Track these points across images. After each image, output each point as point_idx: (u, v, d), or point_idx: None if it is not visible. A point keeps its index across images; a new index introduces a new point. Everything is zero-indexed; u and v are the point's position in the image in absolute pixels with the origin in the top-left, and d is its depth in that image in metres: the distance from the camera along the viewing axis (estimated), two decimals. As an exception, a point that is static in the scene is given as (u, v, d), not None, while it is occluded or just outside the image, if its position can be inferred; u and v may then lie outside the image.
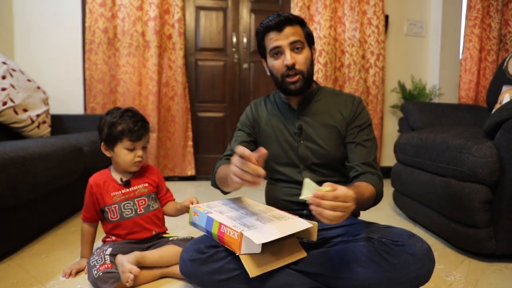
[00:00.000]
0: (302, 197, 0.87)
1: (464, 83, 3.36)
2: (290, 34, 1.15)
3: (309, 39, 1.22)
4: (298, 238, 1.08)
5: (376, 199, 1.12)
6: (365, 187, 1.07)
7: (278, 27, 1.15)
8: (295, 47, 1.16)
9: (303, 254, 1.05)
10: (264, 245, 0.96)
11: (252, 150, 1.25)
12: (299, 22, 1.19)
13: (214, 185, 1.28)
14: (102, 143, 1.34)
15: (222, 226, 0.99)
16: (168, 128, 3.06)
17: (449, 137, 1.61)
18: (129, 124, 1.28)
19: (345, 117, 1.22)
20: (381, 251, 0.98)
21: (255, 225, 0.97)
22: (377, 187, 1.11)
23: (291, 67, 1.16)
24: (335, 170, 1.24)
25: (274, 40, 1.17)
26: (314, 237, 1.02)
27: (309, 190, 0.85)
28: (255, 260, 0.95)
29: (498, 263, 1.45)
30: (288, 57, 1.15)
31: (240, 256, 0.94)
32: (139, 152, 1.32)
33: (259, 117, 1.33)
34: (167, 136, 3.06)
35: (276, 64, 1.19)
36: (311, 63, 1.21)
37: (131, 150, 1.31)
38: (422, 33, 3.39)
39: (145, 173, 1.41)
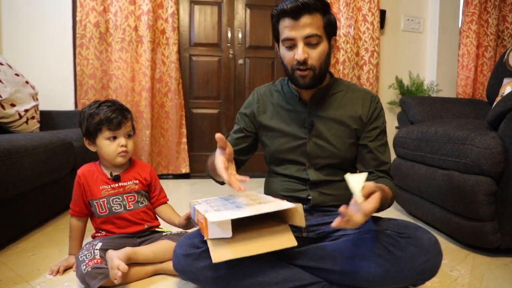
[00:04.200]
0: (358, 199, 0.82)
1: (461, 80, 3.34)
2: (306, 25, 1.02)
3: (330, 30, 1.08)
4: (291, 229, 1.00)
5: (392, 201, 1.09)
6: (388, 192, 1.03)
7: (294, 14, 1.02)
8: (310, 41, 1.04)
9: (292, 243, 0.94)
10: (240, 231, 0.90)
11: (246, 146, 1.24)
12: (320, 9, 1.04)
13: (208, 175, 1.22)
14: (85, 138, 1.29)
15: (198, 214, 0.96)
16: (162, 125, 2.99)
17: (451, 129, 1.56)
18: (107, 113, 1.23)
19: (362, 116, 1.14)
20: (386, 243, 0.93)
21: (228, 209, 0.92)
22: (393, 191, 1.09)
23: (302, 63, 1.05)
24: (341, 170, 1.16)
25: (288, 29, 1.04)
26: (301, 222, 0.93)
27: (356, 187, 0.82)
28: (223, 245, 0.88)
29: (503, 258, 1.40)
30: (300, 52, 1.03)
31: (207, 241, 0.89)
32: (122, 141, 1.25)
33: (263, 108, 1.22)
34: (161, 133, 3.00)
35: (287, 55, 1.08)
36: (326, 58, 1.09)
37: (113, 139, 1.25)
38: (420, 29, 3.36)
39: (136, 169, 1.34)
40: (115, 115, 1.23)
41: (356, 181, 0.81)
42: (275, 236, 0.94)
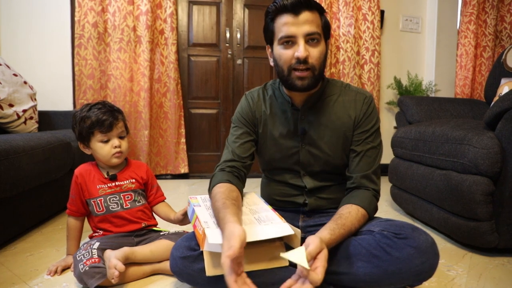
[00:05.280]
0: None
1: (459, 80, 3.34)
2: (307, 22, 0.98)
3: (326, 32, 1.06)
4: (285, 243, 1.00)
5: (369, 218, 1.06)
6: (354, 217, 1.00)
7: (295, 9, 0.98)
8: (310, 38, 1.00)
9: (284, 263, 0.94)
10: None
11: (254, 150, 1.18)
12: (319, 9, 1.03)
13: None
14: (79, 142, 1.29)
15: (197, 219, 0.96)
16: (161, 125, 2.99)
17: (448, 129, 1.57)
18: (98, 116, 1.23)
19: (353, 118, 1.10)
20: (383, 244, 0.93)
21: None
22: (369, 207, 1.04)
23: (302, 61, 0.99)
24: (337, 175, 1.16)
25: (288, 25, 0.99)
26: (297, 246, 0.93)
27: (299, 260, 0.82)
28: (218, 259, 0.88)
29: (501, 257, 1.41)
30: (302, 49, 0.98)
31: (203, 252, 0.89)
32: (116, 142, 1.26)
33: (258, 114, 1.16)
34: (160, 133, 3.00)
35: (284, 54, 1.01)
36: (324, 59, 1.05)
37: (106, 142, 1.26)
38: (418, 29, 3.36)
39: (133, 169, 1.35)
40: (105, 118, 1.23)
41: (297, 256, 0.81)
42: (269, 255, 0.94)
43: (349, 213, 1.00)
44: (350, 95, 1.13)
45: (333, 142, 1.11)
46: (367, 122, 1.11)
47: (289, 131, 1.14)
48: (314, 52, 1.01)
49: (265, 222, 0.95)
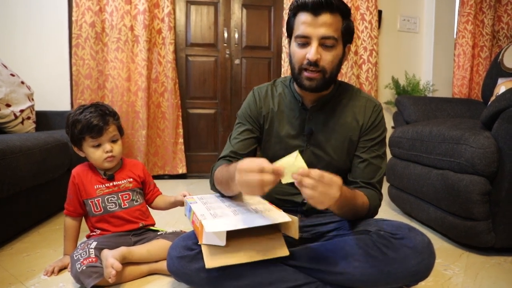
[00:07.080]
0: (284, 180, 0.81)
1: (457, 80, 3.35)
2: (325, 24, 0.97)
3: (347, 36, 1.03)
4: (284, 235, 1.00)
5: (368, 212, 1.06)
6: (360, 195, 1.01)
7: (314, 9, 0.97)
8: (325, 43, 0.99)
9: (284, 252, 0.94)
10: (234, 237, 0.91)
11: (254, 148, 1.18)
12: (342, 11, 1.00)
13: (214, 188, 1.14)
14: (72, 145, 1.29)
15: (194, 215, 0.96)
16: (158, 125, 2.99)
17: (445, 129, 1.57)
18: (88, 120, 1.21)
19: (361, 124, 1.11)
20: (379, 244, 0.93)
21: (224, 216, 0.92)
22: (372, 202, 1.05)
23: (313, 63, 0.99)
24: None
25: (305, 25, 0.98)
26: (295, 234, 0.93)
27: (295, 167, 0.80)
28: (217, 251, 0.89)
29: (497, 257, 1.41)
30: (313, 52, 0.97)
31: (202, 246, 0.90)
32: (107, 147, 1.25)
33: (264, 111, 1.16)
34: (157, 133, 2.99)
35: (297, 52, 1.02)
36: (338, 63, 1.04)
37: (97, 146, 1.25)
38: (416, 29, 3.36)
39: (129, 168, 1.36)
40: (95, 123, 1.22)
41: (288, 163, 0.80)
42: (268, 245, 0.94)
43: (355, 190, 1.02)
44: (360, 100, 1.13)
45: (338, 145, 1.12)
46: (374, 130, 1.11)
47: (296, 130, 1.14)
48: (327, 56, 1.00)
49: (263, 211, 0.96)
